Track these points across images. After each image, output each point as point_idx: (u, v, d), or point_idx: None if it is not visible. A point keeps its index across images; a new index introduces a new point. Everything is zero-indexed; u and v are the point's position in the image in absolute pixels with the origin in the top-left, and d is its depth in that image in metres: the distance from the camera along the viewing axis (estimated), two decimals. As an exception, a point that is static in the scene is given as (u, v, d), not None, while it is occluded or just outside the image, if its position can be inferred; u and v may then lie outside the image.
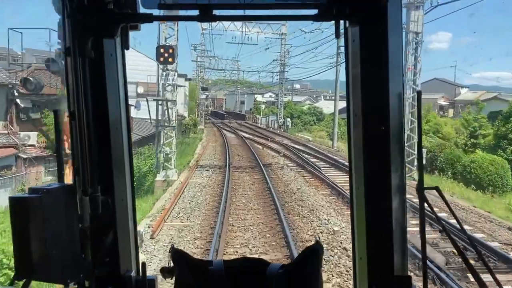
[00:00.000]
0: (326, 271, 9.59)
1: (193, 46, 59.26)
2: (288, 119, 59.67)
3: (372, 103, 1.63)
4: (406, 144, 23.46)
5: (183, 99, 55.76)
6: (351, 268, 1.84)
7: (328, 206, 16.04)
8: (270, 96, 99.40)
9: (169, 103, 23.64)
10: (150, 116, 24.74)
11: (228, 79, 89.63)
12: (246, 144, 37.47)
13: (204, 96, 62.25)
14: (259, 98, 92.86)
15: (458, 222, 1.75)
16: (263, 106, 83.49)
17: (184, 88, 53.94)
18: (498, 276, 1.77)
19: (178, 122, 47.88)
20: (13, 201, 1.42)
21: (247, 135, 46.79)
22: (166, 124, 23.68)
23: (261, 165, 24.91)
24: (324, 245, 10.55)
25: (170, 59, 19.98)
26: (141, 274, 1.80)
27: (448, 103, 67.63)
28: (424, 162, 23.59)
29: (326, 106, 66.38)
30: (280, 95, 60.91)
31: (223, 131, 52.55)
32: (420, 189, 1.61)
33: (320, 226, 13.37)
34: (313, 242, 1.82)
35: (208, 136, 47.68)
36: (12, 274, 1.47)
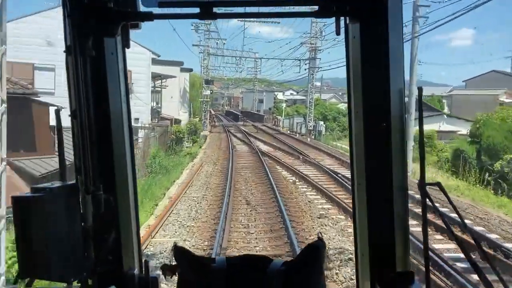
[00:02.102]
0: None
1: (194, 25, 43.25)
2: (321, 122, 43.29)
3: (373, 100, 1.60)
4: None
5: (177, 95, 39.75)
6: None
7: None
8: (291, 94, 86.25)
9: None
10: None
11: (246, 78, 75.46)
12: (264, 167, 21.47)
13: (208, 92, 46.03)
14: (279, 96, 77.42)
15: (460, 217, 1.69)
16: (283, 105, 67.93)
17: (178, 80, 37.94)
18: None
19: (161, 130, 32.26)
20: (16, 200, 1.40)
21: (265, 148, 30.71)
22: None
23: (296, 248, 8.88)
24: None
25: None
26: (144, 272, 1.77)
27: (512, 100, 51.25)
28: None
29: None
30: (309, 90, 44.56)
31: (232, 140, 36.44)
32: (422, 184, 1.56)
33: None
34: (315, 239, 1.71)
35: (208, 150, 31.44)
36: None
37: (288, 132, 47.32)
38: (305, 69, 44.93)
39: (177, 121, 35.08)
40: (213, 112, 75.26)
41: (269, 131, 47.63)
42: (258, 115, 70.90)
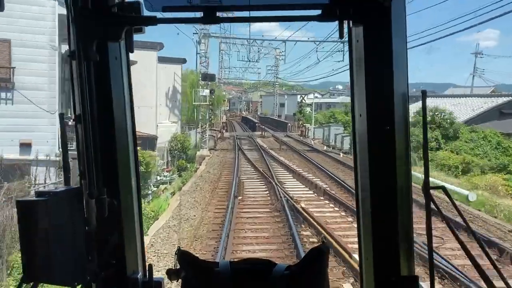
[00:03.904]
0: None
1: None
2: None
3: (376, 103, 1.59)
4: None
5: (153, 96, 25.10)
6: None
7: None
8: (316, 97, 73.67)
9: None
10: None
11: (265, 80, 66.19)
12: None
13: (206, 93, 30.93)
14: (307, 98, 63.44)
15: (465, 221, 1.73)
16: (308, 109, 53.90)
17: (155, 71, 23.46)
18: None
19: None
20: (20, 204, 1.40)
21: (298, 190, 15.95)
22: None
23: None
24: None
25: None
26: (147, 276, 1.74)
27: None
28: None
29: (453, 104, 33.37)
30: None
31: (241, 170, 21.71)
32: (426, 188, 1.56)
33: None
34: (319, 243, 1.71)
35: (189, 199, 16.35)
36: None
37: (325, 148, 32.45)
38: (341, 60, 30.08)
39: (149, 141, 20.61)
40: (224, 120, 60.91)
41: (296, 146, 32.90)
42: (280, 122, 56.19)
